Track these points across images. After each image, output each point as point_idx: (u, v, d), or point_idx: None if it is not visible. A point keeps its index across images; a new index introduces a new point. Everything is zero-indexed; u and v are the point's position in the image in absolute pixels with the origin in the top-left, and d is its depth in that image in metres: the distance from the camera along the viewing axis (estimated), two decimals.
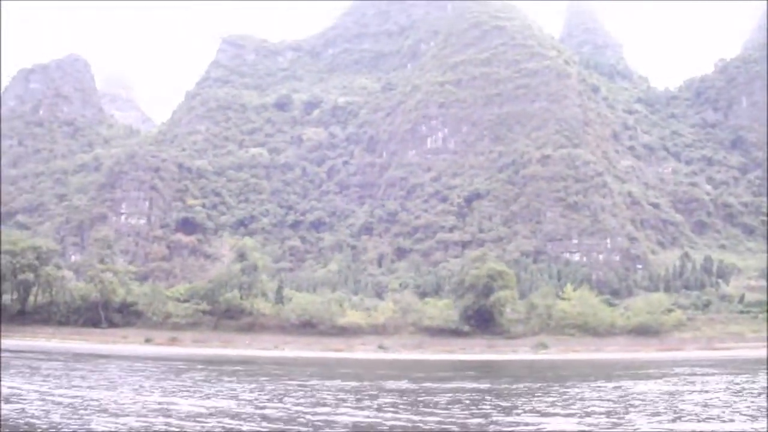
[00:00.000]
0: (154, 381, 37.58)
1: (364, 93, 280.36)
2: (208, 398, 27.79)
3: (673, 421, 20.92)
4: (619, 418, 21.13)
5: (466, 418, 21.12)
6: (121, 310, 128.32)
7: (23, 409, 20.75)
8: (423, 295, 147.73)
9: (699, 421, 21.18)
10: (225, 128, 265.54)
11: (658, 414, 22.32)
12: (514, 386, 39.14)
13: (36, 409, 20.41)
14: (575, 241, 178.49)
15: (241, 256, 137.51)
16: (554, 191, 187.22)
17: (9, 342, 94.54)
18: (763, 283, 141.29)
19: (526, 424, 19.77)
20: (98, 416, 19.87)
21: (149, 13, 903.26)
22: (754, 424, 20.51)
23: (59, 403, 22.55)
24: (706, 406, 24.69)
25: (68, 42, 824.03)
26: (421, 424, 19.87)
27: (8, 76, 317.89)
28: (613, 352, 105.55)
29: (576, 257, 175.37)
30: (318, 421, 20.37)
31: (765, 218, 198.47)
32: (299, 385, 36.83)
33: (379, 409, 23.29)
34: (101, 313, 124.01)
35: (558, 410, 23.39)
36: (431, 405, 25.58)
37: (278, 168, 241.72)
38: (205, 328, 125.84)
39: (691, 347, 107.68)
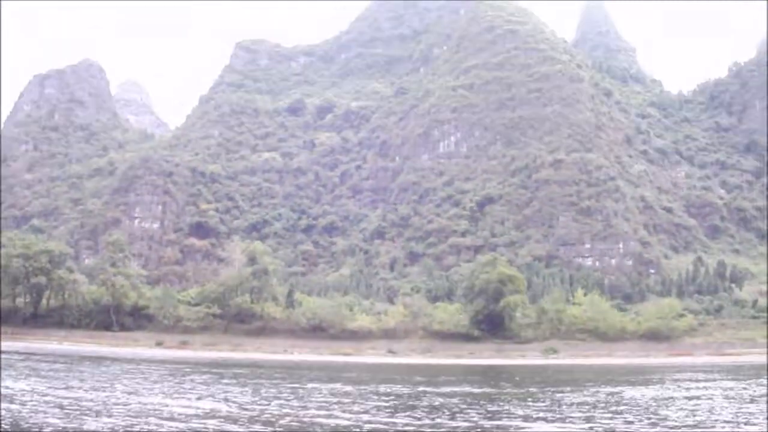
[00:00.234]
0: (150, 383, 37.96)
1: (377, 97, 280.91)
2: (200, 399, 28.11)
3: (653, 425, 20.96)
4: (596, 423, 21.18)
5: (440, 421, 21.28)
6: (133, 313, 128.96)
7: (8, 407, 21.06)
8: (435, 299, 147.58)
9: (674, 427, 21.19)
10: (238, 133, 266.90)
11: (639, 419, 22.38)
12: (509, 391, 39.20)
13: (22, 409, 20.69)
14: (588, 246, 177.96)
15: (252, 260, 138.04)
16: (567, 195, 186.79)
17: (20, 344, 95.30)
18: None
19: (504, 428, 19.85)
20: (83, 416, 20.15)
21: (164, 18, 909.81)
22: (734, 429, 20.48)
23: (48, 403, 22.94)
24: (690, 412, 24.67)
25: (83, 47, 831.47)
26: (390, 426, 19.98)
27: (24, 82, 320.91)
28: (623, 357, 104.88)
29: (588, 262, 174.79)
30: (296, 422, 20.58)
31: None
32: (294, 389, 37.07)
33: (363, 411, 23.48)
34: (113, 317, 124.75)
35: (541, 415, 23.49)
36: (414, 408, 25.76)
37: (291, 172, 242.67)
38: (215, 331, 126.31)
39: (702, 352, 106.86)
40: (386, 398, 31.44)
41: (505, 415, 22.81)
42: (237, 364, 71.99)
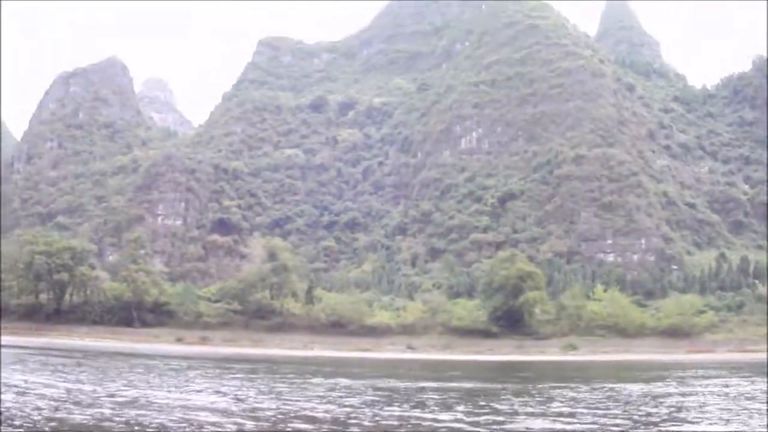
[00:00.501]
0: (151, 377, 38.33)
1: (399, 93, 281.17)
2: (196, 393, 28.43)
3: (634, 423, 20.88)
4: (577, 419, 21.15)
5: (422, 414, 21.39)
6: (154, 309, 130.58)
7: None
8: (456, 295, 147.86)
9: (657, 423, 21.08)
10: (261, 129, 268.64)
11: (624, 415, 22.32)
12: (509, 387, 39.09)
13: (12, 401, 21.07)
14: (609, 242, 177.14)
15: (272, 257, 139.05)
16: (589, 191, 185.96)
17: (43, 340, 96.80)
18: None
19: (486, 424, 19.90)
20: (70, 407, 20.47)
21: (187, 16, 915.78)
22: (720, 427, 20.34)
23: (40, 395, 23.37)
24: (680, 409, 24.49)
25: (107, 46, 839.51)
26: (370, 419, 20.10)
27: (49, 80, 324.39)
28: (642, 353, 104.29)
29: (610, 258, 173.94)
30: (280, 414, 20.77)
31: None
32: (296, 383, 37.26)
33: (352, 405, 23.61)
34: (134, 313, 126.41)
35: (528, 410, 23.51)
36: (403, 402, 25.90)
37: (313, 169, 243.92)
38: (235, 327, 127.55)
39: (722, 349, 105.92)
40: (380, 393, 31.63)
41: (491, 410, 22.81)
42: (249, 360, 72.59)
